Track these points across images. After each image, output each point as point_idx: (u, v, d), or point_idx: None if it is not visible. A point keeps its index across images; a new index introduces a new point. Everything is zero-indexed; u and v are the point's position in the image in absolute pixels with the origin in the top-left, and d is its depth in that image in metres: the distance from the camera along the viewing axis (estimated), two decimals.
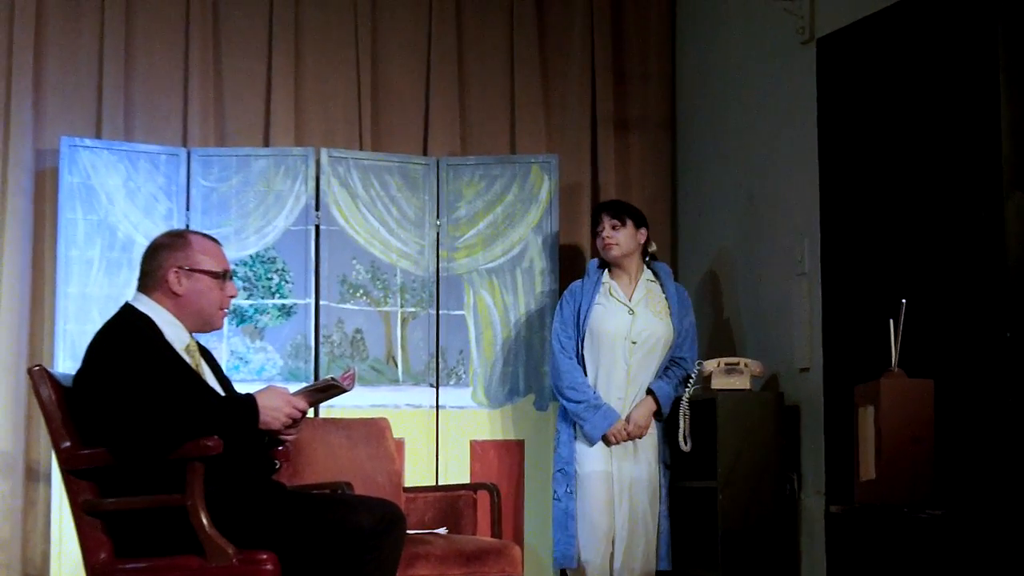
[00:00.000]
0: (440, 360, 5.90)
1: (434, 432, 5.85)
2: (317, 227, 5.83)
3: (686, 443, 5.33)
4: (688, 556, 5.50)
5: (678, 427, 5.34)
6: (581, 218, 6.30)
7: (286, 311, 5.75)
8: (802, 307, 5.36)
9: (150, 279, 3.84)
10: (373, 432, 5.42)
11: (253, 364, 5.67)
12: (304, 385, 4.16)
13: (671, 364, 5.45)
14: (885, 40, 4.83)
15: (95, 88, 5.92)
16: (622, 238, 5.46)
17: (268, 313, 5.74)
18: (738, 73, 6.00)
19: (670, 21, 6.59)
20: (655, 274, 5.56)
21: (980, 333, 4.32)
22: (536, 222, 6.00)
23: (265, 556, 3.54)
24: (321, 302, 5.78)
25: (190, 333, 3.87)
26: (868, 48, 4.92)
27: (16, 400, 5.61)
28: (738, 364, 5.39)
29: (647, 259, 5.56)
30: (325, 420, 5.49)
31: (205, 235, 3.95)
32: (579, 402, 5.33)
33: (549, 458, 5.57)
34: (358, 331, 5.81)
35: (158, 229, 5.44)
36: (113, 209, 5.67)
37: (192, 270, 3.83)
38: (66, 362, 5.42)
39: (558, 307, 5.52)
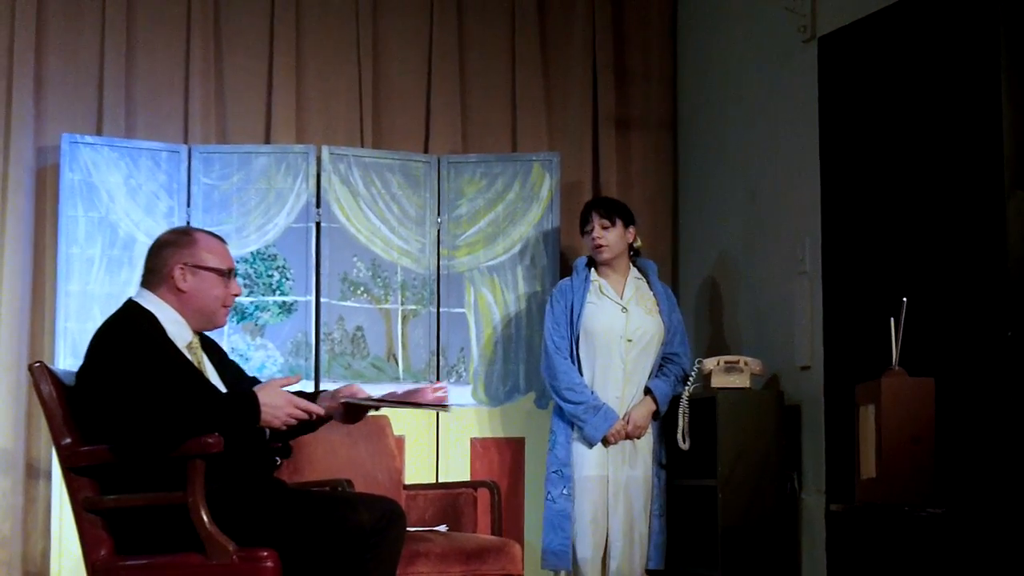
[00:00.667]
0: (441, 358, 5.90)
1: (434, 430, 5.86)
2: (318, 224, 5.83)
3: (685, 441, 5.33)
4: (688, 555, 5.50)
5: (677, 425, 5.34)
6: None
7: (287, 308, 5.75)
8: (803, 306, 5.36)
9: (155, 275, 3.84)
10: (373, 429, 5.42)
11: (253, 361, 5.67)
12: (385, 395, 3.99)
13: (666, 361, 5.45)
14: (887, 39, 4.83)
15: (96, 85, 5.92)
16: (612, 238, 5.44)
17: (269, 310, 5.74)
18: (739, 71, 6.00)
19: (671, 19, 6.59)
20: (641, 271, 5.55)
21: (981, 332, 4.32)
22: (537, 220, 6.00)
23: (265, 553, 3.53)
24: (322, 299, 5.78)
25: (193, 330, 3.87)
26: (870, 47, 4.92)
27: (17, 397, 5.62)
28: (738, 363, 5.39)
29: (632, 255, 5.55)
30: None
31: (211, 233, 3.94)
32: (578, 403, 5.31)
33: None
34: (359, 329, 5.82)
35: (159, 227, 5.45)
36: (114, 207, 5.67)
37: (197, 267, 3.82)
38: (67, 360, 5.43)
39: (548, 306, 5.49)
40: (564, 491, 5.32)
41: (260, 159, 5.84)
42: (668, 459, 5.43)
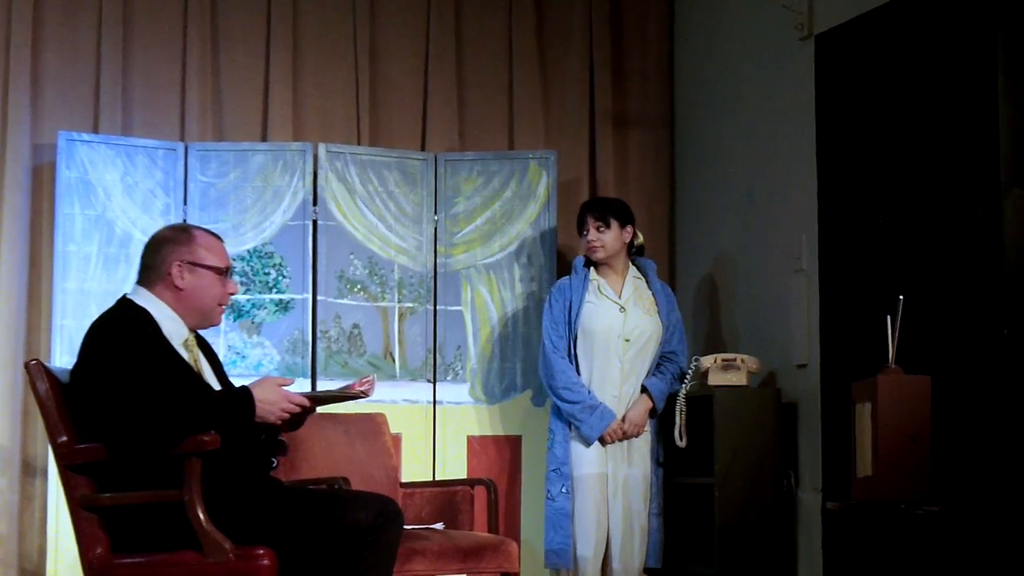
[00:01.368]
0: (437, 356, 5.90)
1: (431, 428, 5.85)
2: (315, 222, 5.82)
3: (682, 439, 5.33)
4: (685, 553, 5.50)
5: (674, 423, 5.34)
6: None
7: (283, 306, 5.75)
8: (800, 303, 5.37)
9: (152, 272, 3.83)
10: (370, 427, 5.42)
11: (250, 359, 5.67)
12: (317, 391, 4.13)
13: (663, 360, 5.45)
14: (884, 37, 4.83)
15: (93, 83, 5.91)
16: (607, 240, 5.43)
17: (265, 308, 5.74)
18: (736, 69, 6.00)
19: (669, 17, 6.59)
20: (640, 270, 5.55)
21: (977, 330, 4.32)
22: (534, 218, 6.00)
23: (262, 551, 3.53)
24: (318, 297, 5.77)
25: (189, 328, 3.87)
26: (867, 45, 4.92)
27: (13, 395, 5.61)
28: (735, 360, 5.39)
29: (632, 253, 5.55)
30: (322, 415, 5.47)
31: (208, 231, 3.94)
32: (575, 403, 5.31)
33: (545, 455, 5.56)
34: (355, 326, 5.81)
35: (156, 224, 5.44)
36: (111, 204, 5.67)
37: (195, 264, 3.82)
38: (63, 357, 5.42)
39: (547, 305, 5.49)
40: (563, 489, 5.32)
41: (257, 157, 5.84)
42: (665, 457, 5.43)
